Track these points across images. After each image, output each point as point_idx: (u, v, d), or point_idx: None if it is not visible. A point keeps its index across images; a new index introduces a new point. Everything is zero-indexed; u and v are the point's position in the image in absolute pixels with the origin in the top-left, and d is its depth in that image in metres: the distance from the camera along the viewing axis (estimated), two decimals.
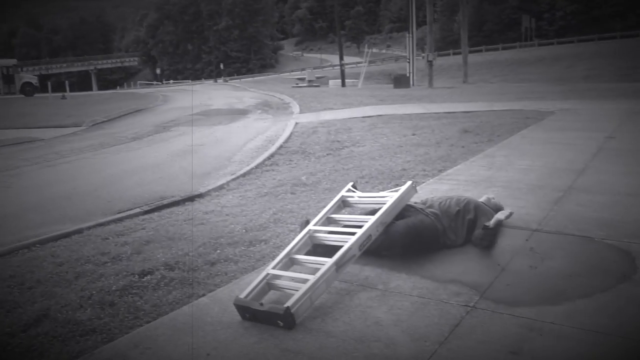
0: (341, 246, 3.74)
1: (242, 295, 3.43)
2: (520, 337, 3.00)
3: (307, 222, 4.41)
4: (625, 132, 9.73)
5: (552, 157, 7.89)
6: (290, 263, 3.89)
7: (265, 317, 3.22)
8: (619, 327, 3.06)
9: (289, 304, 3.18)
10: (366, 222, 3.98)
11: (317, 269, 3.52)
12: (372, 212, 4.19)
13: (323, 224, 4.34)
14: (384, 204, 4.20)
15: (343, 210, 4.69)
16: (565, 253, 4.21)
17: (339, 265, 3.56)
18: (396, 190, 4.43)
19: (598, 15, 71.63)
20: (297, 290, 3.35)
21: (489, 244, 4.25)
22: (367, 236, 3.85)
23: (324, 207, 4.59)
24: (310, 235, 4.11)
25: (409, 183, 4.45)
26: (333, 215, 4.45)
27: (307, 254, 4.04)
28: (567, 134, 9.91)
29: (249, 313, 3.30)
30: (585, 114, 12.64)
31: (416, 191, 4.53)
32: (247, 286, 3.60)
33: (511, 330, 3.08)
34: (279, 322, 3.18)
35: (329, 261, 3.55)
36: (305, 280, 3.43)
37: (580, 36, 61.85)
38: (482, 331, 3.09)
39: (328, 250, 3.86)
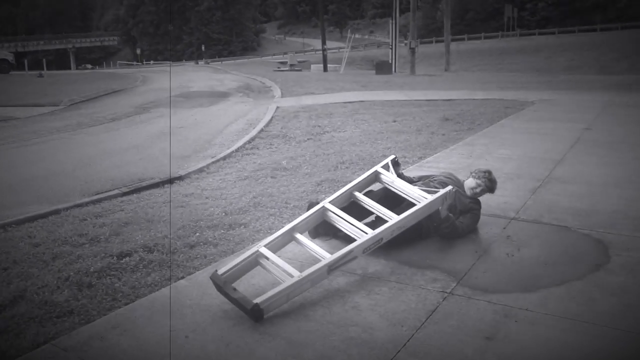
0: (348, 236, 3.73)
1: (222, 271, 3.36)
2: (495, 323, 3.05)
3: (314, 204, 4.34)
4: (603, 124, 9.88)
5: (531, 146, 7.99)
6: (290, 239, 3.78)
7: (236, 303, 3.18)
8: (591, 315, 3.13)
9: (259, 300, 3.10)
10: (385, 220, 3.87)
11: (311, 260, 3.46)
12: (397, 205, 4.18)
13: (341, 201, 4.20)
14: (413, 203, 4.07)
15: (372, 187, 4.55)
16: (542, 241, 4.28)
17: (332, 268, 3.45)
18: (435, 191, 4.20)
19: (579, 7, 72.10)
20: (281, 282, 3.28)
21: (450, 232, 4.25)
22: (377, 240, 3.69)
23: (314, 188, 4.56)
24: (323, 212, 3.98)
25: (449, 188, 4.20)
26: (357, 194, 4.24)
27: (315, 229, 4.05)
28: (546, 124, 10.03)
29: (222, 293, 3.29)
30: (564, 105, 12.79)
31: (454, 197, 4.23)
32: (231, 260, 3.55)
33: (487, 316, 3.13)
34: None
35: (322, 261, 3.43)
36: (290, 275, 3.33)
37: (561, 27, 62.26)
38: (458, 317, 3.14)
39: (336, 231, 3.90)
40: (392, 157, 4.64)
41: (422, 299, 3.36)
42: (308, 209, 4.18)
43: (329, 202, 4.02)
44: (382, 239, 3.73)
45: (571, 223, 4.68)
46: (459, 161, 7.10)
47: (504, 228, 4.58)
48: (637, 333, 2.95)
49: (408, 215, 3.89)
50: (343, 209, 4.06)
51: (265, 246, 3.58)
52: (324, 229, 4.21)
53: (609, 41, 41.21)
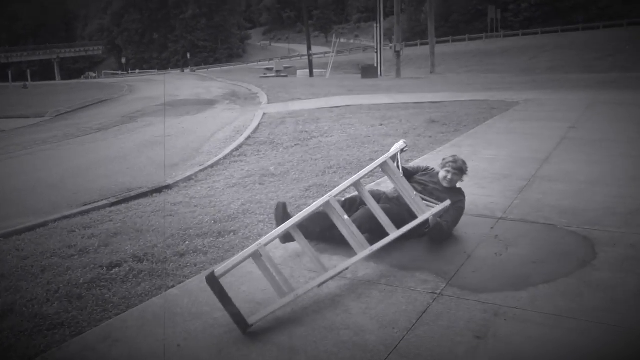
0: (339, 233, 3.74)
1: (219, 272, 3.26)
2: (485, 322, 3.08)
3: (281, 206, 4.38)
4: (587, 122, 9.97)
5: (517, 146, 8.05)
6: (289, 237, 3.75)
7: (227, 312, 3.17)
8: (579, 311, 3.16)
9: (251, 320, 3.10)
10: (385, 231, 3.84)
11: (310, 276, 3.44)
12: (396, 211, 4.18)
13: (352, 201, 4.24)
14: (415, 213, 4.06)
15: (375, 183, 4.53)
16: (529, 240, 4.32)
17: (322, 284, 3.47)
18: (434, 205, 4.23)
19: (561, 7, 72.79)
20: (272, 289, 3.29)
21: (438, 235, 4.27)
22: (373, 255, 3.72)
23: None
24: (326, 208, 3.80)
25: (447, 202, 4.24)
26: (362, 190, 4.06)
27: (285, 236, 3.94)
28: (531, 124, 10.11)
29: (216, 294, 3.24)
30: (549, 105, 12.90)
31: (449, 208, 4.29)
32: (229, 261, 3.46)
33: (477, 316, 3.16)
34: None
35: (315, 280, 3.43)
36: (283, 292, 3.30)
37: (544, 27, 62.79)
38: (448, 317, 3.16)
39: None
40: (402, 144, 4.47)
41: (412, 301, 3.38)
42: (276, 211, 4.29)
43: (334, 196, 3.83)
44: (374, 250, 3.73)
45: (558, 221, 4.73)
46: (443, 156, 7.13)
47: (492, 228, 4.62)
48: (624, 328, 2.99)
49: (406, 230, 3.93)
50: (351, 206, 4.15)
51: (265, 245, 3.46)
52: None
53: (592, 40, 41.63)
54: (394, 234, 3.84)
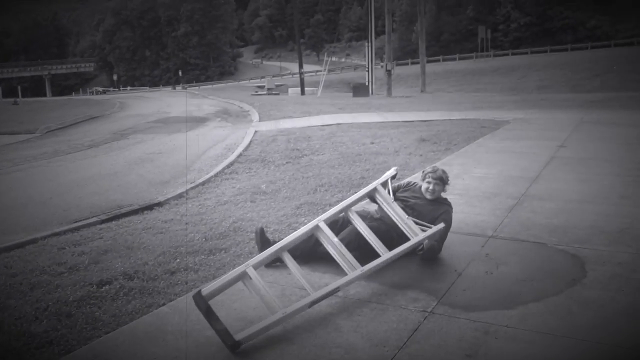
0: (329, 255, 3.74)
1: (206, 292, 3.30)
2: (476, 341, 3.09)
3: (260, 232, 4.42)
4: (576, 141, 10.07)
5: (507, 165, 8.11)
6: (277, 260, 3.78)
7: (215, 331, 3.16)
8: (570, 329, 3.18)
9: (239, 337, 3.08)
10: (377, 253, 3.85)
11: (292, 283, 3.44)
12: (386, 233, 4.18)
13: (336, 219, 4.22)
14: (407, 235, 4.06)
15: (364, 208, 4.54)
16: (519, 259, 4.35)
17: (314, 303, 3.45)
18: (426, 227, 4.19)
19: (550, 27, 73.83)
20: (262, 308, 3.28)
21: (431, 255, 4.30)
22: (362, 275, 3.72)
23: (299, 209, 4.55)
24: (315, 232, 3.86)
25: (440, 225, 4.22)
26: (351, 215, 4.11)
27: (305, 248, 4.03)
28: (521, 142, 10.19)
29: (203, 315, 3.25)
30: (538, 123, 13.02)
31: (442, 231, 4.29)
32: (217, 280, 3.49)
33: (467, 334, 3.17)
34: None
35: (306, 299, 3.42)
36: (273, 310, 3.29)
37: (533, 47, 63.55)
38: (439, 335, 3.17)
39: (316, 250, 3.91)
40: (393, 172, 4.53)
41: (403, 319, 3.39)
42: (256, 236, 4.34)
43: (323, 220, 3.90)
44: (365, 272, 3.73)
45: (548, 239, 4.76)
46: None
47: (482, 246, 4.64)
48: (614, 345, 3.00)
49: (399, 253, 3.93)
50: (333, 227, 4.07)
51: (252, 266, 3.51)
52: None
53: (580, 60, 42.15)
54: (386, 255, 3.84)
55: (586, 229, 4.99)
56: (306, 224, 4.87)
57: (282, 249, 3.69)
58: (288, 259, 3.67)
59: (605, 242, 4.62)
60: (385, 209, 4.28)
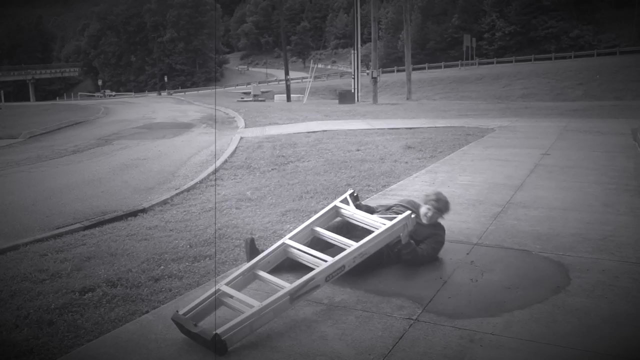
0: (311, 269, 3.66)
1: (183, 311, 3.33)
2: (461, 348, 3.09)
3: (252, 241, 4.42)
4: (560, 149, 10.16)
5: (492, 172, 8.16)
6: (252, 277, 3.77)
7: (199, 339, 3.14)
8: (554, 336, 3.19)
9: (219, 330, 3.06)
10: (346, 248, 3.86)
11: (275, 292, 3.41)
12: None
13: (303, 237, 4.19)
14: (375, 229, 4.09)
15: (334, 220, 4.54)
16: (504, 266, 4.36)
17: (294, 297, 3.42)
18: (393, 217, 4.28)
19: (534, 36, 74.66)
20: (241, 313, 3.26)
21: (412, 258, 4.29)
22: (338, 267, 3.67)
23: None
24: (284, 249, 3.96)
25: (407, 213, 4.24)
26: (317, 229, 4.26)
27: (276, 267, 3.94)
28: (505, 150, 10.26)
29: (184, 332, 3.24)
30: (522, 132, 13.12)
31: (415, 222, 4.30)
32: (192, 301, 3.50)
33: (453, 342, 3.16)
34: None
35: (283, 289, 3.42)
36: (251, 305, 3.30)
37: (518, 56, 64.18)
38: (424, 343, 3.16)
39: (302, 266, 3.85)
40: (350, 191, 4.74)
41: (388, 327, 3.38)
42: (245, 246, 4.34)
43: (289, 238, 4.03)
44: (344, 266, 3.72)
45: (532, 247, 4.78)
46: (422, 189, 7.19)
47: (467, 254, 4.66)
48: (597, 353, 3.01)
49: (368, 241, 3.91)
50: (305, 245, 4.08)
51: (226, 284, 3.57)
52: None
53: (564, 69, 42.59)
54: (354, 245, 3.86)
55: (570, 237, 5.03)
56: (291, 230, 4.86)
57: (253, 266, 3.78)
58: (263, 274, 3.74)
59: (589, 250, 4.65)
60: (353, 219, 4.40)
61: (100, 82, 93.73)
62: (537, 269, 4.30)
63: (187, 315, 3.30)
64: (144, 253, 5.19)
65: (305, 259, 3.86)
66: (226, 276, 3.98)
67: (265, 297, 3.66)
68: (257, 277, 3.77)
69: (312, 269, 3.66)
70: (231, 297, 3.47)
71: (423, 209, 4.67)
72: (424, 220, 4.61)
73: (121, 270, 4.69)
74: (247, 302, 3.36)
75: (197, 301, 3.43)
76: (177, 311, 3.35)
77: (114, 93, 79.34)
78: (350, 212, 4.42)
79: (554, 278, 4.09)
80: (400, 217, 4.18)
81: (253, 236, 4.59)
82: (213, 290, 3.49)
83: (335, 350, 3.11)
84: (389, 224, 4.10)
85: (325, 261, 3.69)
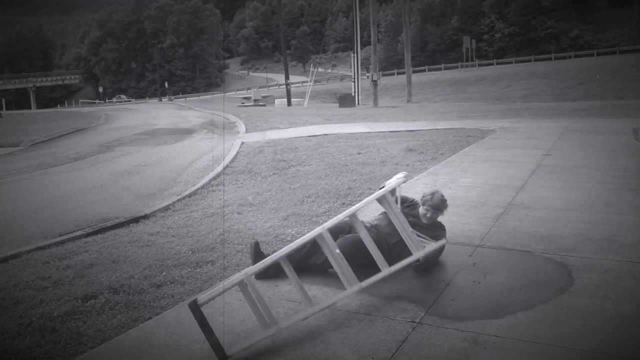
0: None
1: (202, 300, 3.22)
2: (465, 351, 3.08)
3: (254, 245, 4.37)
4: (561, 149, 10.14)
5: (493, 174, 8.15)
6: (278, 268, 3.69)
7: (210, 342, 3.11)
8: (558, 337, 3.18)
9: (231, 351, 3.07)
10: (366, 260, 3.80)
11: (289, 296, 3.38)
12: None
13: (340, 227, 4.15)
14: (408, 247, 3.98)
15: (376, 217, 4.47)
16: (507, 267, 4.35)
17: (306, 318, 3.44)
18: (427, 241, 4.17)
19: (534, 37, 74.75)
20: (256, 321, 3.24)
21: (425, 269, 4.27)
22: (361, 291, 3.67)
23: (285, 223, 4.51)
24: (318, 240, 3.73)
25: (442, 242, 4.23)
26: (356, 225, 3.98)
27: (266, 270, 3.83)
28: (507, 151, 10.25)
29: (198, 323, 3.18)
30: (523, 132, 13.11)
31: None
32: (214, 289, 3.40)
33: (456, 345, 3.15)
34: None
35: (301, 313, 3.38)
36: (267, 324, 3.26)
37: (518, 57, 64.22)
38: (428, 346, 3.15)
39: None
40: (403, 179, 4.26)
41: (391, 330, 3.37)
42: (250, 251, 4.25)
43: (327, 228, 3.77)
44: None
45: (535, 248, 4.77)
46: (424, 191, 7.16)
47: (470, 255, 4.64)
48: (602, 353, 3.00)
49: (399, 267, 3.85)
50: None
51: (252, 275, 3.44)
52: (274, 271, 4.04)
53: (564, 69, 42.63)
54: (386, 271, 3.75)
55: (572, 237, 5.01)
56: (293, 235, 4.86)
57: (282, 257, 3.57)
58: (287, 269, 3.57)
59: (591, 250, 4.64)
60: (391, 217, 4.12)
61: (100, 89, 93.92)
62: (540, 270, 4.28)
63: (204, 303, 3.22)
64: (146, 259, 5.19)
65: (332, 262, 3.69)
66: (252, 268, 3.72)
67: (272, 301, 3.66)
68: (283, 268, 3.62)
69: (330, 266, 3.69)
70: (251, 293, 3.36)
71: (422, 210, 4.63)
72: (424, 221, 4.59)
73: (123, 277, 4.69)
74: (263, 316, 3.29)
75: (218, 290, 3.31)
76: (196, 299, 3.24)
77: (127, 99, 79.61)
78: (394, 210, 4.11)
79: (557, 279, 4.08)
80: (434, 246, 4.08)
81: (257, 240, 4.55)
82: (237, 281, 3.38)
83: (338, 355, 3.10)
84: (422, 252, 3.97)
85: (353, 283, 3.61)
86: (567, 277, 4.09)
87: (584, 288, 3.88)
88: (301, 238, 3.73)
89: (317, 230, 3.72)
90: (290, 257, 3.93)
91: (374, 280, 3.69)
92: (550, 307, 3.60)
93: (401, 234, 4.06)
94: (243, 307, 3.54)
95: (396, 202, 4.17)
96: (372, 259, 3.83)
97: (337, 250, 3.69)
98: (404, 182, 4.27)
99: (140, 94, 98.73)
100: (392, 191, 4.19)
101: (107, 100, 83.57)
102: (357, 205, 4.06)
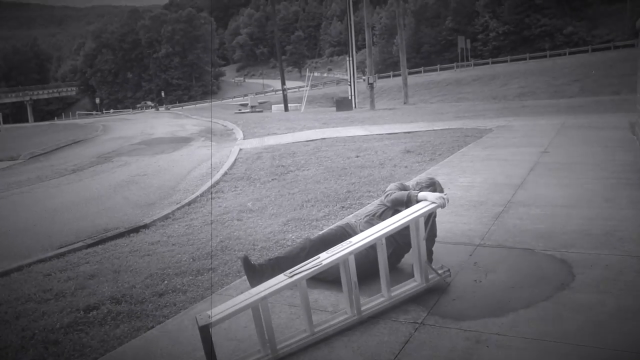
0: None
1: (215, 317, 3.01)
2: (468, 350, 3.08)
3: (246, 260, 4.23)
4: (559, 147, 10.16)
5: (492, 173, 8.16)
6: (259, 279, 3.65)
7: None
8: (561, 334, 3.18)
9: None
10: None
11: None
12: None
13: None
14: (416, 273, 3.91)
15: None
16: (508, 266, 4.35)
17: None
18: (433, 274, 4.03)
19: (528, 35, 74.94)
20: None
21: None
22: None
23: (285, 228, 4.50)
24: (340, 263, 3.52)
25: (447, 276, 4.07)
26: (379, 247, 3.74)
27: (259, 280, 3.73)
28: (504, 150, 10.26)
29: (202, 337, 3.04)
30: (521, 131, 13.12)
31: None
32: (225, 305, 3.17)
33: (459, 344, 3.16)
34: None
35: (305, 334, 3.29)
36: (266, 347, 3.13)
37: (513, 55, 64.36)
38: (430, 346, 3.16)
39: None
40: (441, 200, 3.97)
41: (394, 331, 3.37)
42: (243, 267, 4.08)
43: (354, 255, 3.55)
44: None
45: (535, 245, 4.77)
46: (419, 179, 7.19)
47: (470, 255, 4.65)
48: (605, 349, 3.01)
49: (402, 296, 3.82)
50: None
51: (266, 299, 3.21)
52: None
53: (559, 66, 42.67)
54: (386, 295, 3.71)
55: (572, 233, 5.02)
56: (293, 240, 4.84)
57: (303, 278, 3.34)
58: (302, 292, 3.37)
59: (591, 246, 4.64)
60: (412, 241, 3.91)
61: (97, 100, 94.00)
62: (541, 267, 4.29)
63: (214, 320, 3.04)
64: (147, 269, 5.19)
65: (345, 287, 3.57)
66: (267, 288, 3.37)
67: (275, 305, 3.66)
68: (263, 279, 3.57)
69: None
70: (262, 316, 3.19)
71: (431, 196, 4.09)
72: (442, 208, 4.12)
73: (125, 287, 4.69)
74: (265, 342, 3.18)
75: (231, 310, 3.09)
76: (210, 317, 3.02)
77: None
78: (417, 239, 3.89)
79: (558, 275, 4.08)
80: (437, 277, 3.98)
81: (246, 254, 4.50)
82: (252, 300, 3.15)
83: (342, 357, 3.10)
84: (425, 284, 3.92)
85: (355, 312, 3.54)
86: (568, 274, 4.09)
87: (585, 284, 3.88)
88: (325, 264, 3.42)
89: (343, 254, 3.48)
90: (293, 258, 3.94)
91: (375, 310, 3.63)
92: (552, 303, 3.61)
93: (415, 258, 3.93)
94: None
95: (425, 228, 3.94)
96: (373, 263, 3.80)
97: (355, 279, 3.54)
98: (441, 207, 3.99)
99: (137, 104, 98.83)
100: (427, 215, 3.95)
101: (104, 111, 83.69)
102: (388, 227, 3.74)
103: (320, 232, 4.56)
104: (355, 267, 3.56)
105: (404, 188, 4.44)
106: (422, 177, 4.68)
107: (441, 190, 4.37)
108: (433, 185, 4.38)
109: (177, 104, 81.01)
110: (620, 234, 4.90)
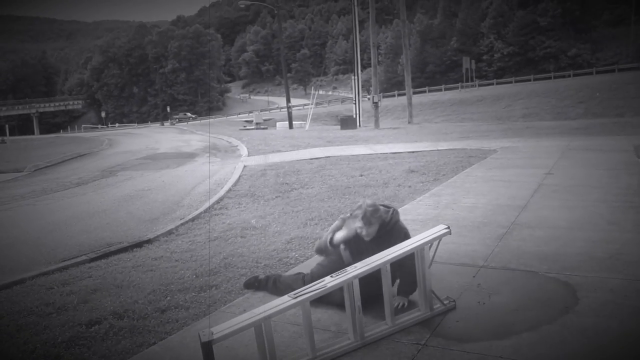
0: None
1: (217, 334, 3.00)
2: None
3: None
4: (563, 168, 10.15)
5: (496, 194, 8.15)
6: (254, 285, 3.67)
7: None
8: (564, 358, 3.17)
9: None
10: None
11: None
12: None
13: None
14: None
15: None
16: (511, 288, 4.34)
17: None
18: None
19: (533, 56, 75.29)
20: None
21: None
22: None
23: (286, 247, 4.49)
24: (345, 286, 3.51)
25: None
26: (383, 274, 3.73)
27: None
28: (508, 171, 10.26)
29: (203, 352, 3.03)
30: (525, 152, 13.13)
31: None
32: (229, 322, 3.17)
33: None
34: None
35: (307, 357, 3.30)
36: None
37: (517, 77, 64.60)
38: None
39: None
40: (444, 231, 3.97)
41: (397, 353, 3.36)
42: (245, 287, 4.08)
43: (358, 279, 3.52)
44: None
45: (539, 267, 4.76)
46: (426, 212, 7.20)
47: (474, 276, 4.64)
48: None
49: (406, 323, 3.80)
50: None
51: (270, 318, 3.21)
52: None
53: (563, 88, 42.78)
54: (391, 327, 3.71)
55: (576, 256, 5.01)
56: (296, 258, 4.83)
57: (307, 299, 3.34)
58: (305, 316, 3.36)
59: (595, 269, 4.63)
60: (417, 267, 3.88)
61: (103, 114, 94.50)
62: (545, 290, 4.27)
63: (216, 337, 3.03)
64: (150, 284, 5.19)
65: (349, 312, 3.55)
66: (270, 307, 3.34)
67: (278, 324, 3.65)
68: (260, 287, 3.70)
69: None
70: (264, 336, 3.18)
71: (357, 229, 4.08)
72: (367, 239, 4.09)
73: (127, 302, 4.68)
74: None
75: (235, 327, 3.09)
76: (212, 333, 3.01)
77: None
78: (422, 267, 3.89)
79: (561, 298, 4.07)
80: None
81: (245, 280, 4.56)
82: (255, 319, 3.14)
83: None
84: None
85: (358, 337, 3.54)
86: (571, 297, 4.08)
87: (589, 307, 3.86)
88: (328, 286, 3.41)
89: (348, 276, 3.47)
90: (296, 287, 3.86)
91: (378, 337, 3.60)
92: (555, 327, 3.59)
93: (420, 286, 3.90)
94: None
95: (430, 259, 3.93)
96: (375, 287, 3.76)
97: (359, 303, 3.51)
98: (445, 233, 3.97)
99: (142, 119, 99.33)
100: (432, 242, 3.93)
101: (109, 125, 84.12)
102: (393, 254, 3.73)
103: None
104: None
105: (343, 223, 4.23)
106: (356, 205, 4.27)
107: (371, 216, 4.06)
108: (364, 214, 4.06)
109: (183, 119, 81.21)
110: (625, 258, 4.88)
